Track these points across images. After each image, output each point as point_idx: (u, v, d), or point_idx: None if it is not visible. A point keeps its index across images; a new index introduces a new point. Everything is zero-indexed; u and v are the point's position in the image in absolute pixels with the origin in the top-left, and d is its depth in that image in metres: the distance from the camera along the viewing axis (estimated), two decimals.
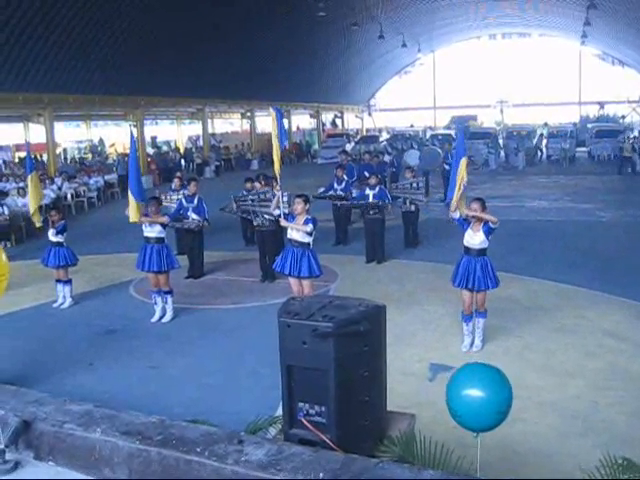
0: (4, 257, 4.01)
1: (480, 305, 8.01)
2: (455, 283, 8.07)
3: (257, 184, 12.46)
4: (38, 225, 11.72)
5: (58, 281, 10.80)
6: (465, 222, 8.04)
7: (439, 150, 24.61)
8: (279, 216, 9.05)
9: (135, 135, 28.19)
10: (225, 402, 6.76)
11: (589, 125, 40.61)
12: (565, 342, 8.24)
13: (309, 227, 8.61)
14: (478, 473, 3.70)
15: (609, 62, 52.52)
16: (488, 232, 7.85)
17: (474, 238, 7.90)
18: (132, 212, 9.50)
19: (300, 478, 3.06)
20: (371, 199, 12.82)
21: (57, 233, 10.57)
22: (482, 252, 7.92)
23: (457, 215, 8.12)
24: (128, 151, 34.29)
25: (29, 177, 11.58)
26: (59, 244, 10.62)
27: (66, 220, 11.22)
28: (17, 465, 3.68)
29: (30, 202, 11.49)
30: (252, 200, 11.97)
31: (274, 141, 8.91)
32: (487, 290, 7.93)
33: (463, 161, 8.79)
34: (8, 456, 3.67)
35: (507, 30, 54.07)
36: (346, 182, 14.65)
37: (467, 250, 7.99)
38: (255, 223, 12.14)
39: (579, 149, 36.13)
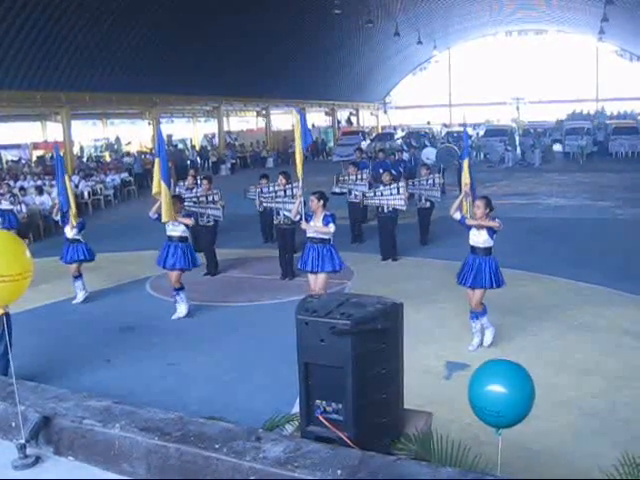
0: (28, 254, 4.02)
1: (476, 304, 7.97)
2: (457, 280, 8.10)
3: (282, 179, 12.33)
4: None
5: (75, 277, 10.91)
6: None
7: (455, 148, 24.53)
8: (300, 220, 9.02)
9: (152, 133, 28.32)
10: (242, 399, 6.79)
11: (607, 122, 40.32)
12: (582, 340, 8.20)
13: (330, 228, 8.59)
14: (499, 471, 3.69)
15: (627, 58, 52.11)
16: (492, 232, 7.87)
17: (478, 237, 7.93)
18: (167, 211, 9.38)
19: (318, 475, 3.07)
20: None
21: (78, 231, 10.63)
22: (487, 251, 7.93)
23: (458, 216, 8.17)
24: (144, 149, 34.65)
25: (66, 179, 10.89)
26: (77, 241, 10.70)
27: (83, 218, 11.28)
28: (38, 460, 3.73)
29: (72, 204, 10.73)
30: (276, 193, 11.92)
31: (297, 147, 8.92)
32: (484, 288, 7.89)
33: (465, 163, 8.73)
34: (29, 451, 3.71)
35: (523, 27, 53.79)
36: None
37: (473, 249, 8.02)
38: (276, 221, 12.15)
39: None
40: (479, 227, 7.88)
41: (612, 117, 45.41)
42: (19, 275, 3.86)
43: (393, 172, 14.49)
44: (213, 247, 12.65)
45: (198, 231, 13.01)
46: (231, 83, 32.50)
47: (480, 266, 7.85)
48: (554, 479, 5.02)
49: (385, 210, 12.93)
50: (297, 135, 8.87)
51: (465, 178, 8.61)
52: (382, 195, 12.87)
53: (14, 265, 3.86)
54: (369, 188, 14.00)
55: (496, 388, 3.62)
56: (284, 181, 12.05)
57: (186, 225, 9.80)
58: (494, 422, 3.66)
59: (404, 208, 12.83)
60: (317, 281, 8.73)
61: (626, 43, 48.55)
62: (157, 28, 25.91)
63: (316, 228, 8.73)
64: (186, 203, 11.72)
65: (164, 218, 9.48)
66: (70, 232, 10.68)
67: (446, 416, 5.32)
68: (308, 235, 8.87)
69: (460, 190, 18.96)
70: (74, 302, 10.81)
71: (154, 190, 9.54)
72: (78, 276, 10.85)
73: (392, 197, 12.66)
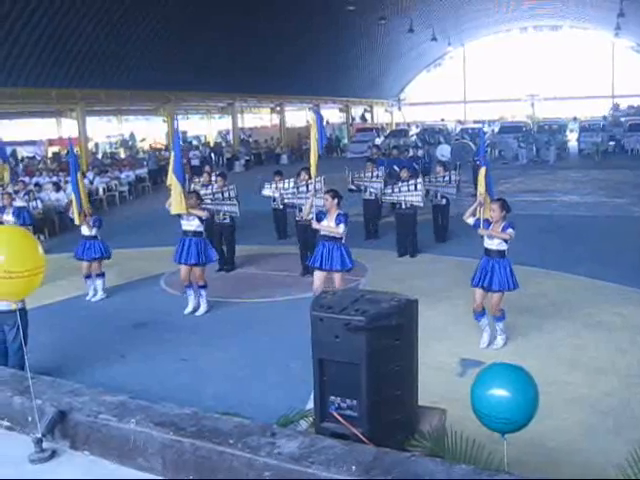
0: (41, 250, 4.04)
1: (495, 309, 7.94)
2: (472, 283, 8.07)
3: (305, 175, 12.17)
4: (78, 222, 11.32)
5: (88, 277, 10.92)
6: (485, 224, 8.02)
7: (471, 144, 24.48)
8: (312, 219, 9.04)
9: (168, 130, 28.53)
10: (255, 395, 6.80)
11: (622, 118, 40.02)
12: (596, 338, 8.16)
13: (341, 229, 8.60)
14: (506, 469, 3.68)
15: None
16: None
17: (492, 239, 7.91)
18: (178, 203, 9.47)
19: (333, 470, 3.07)
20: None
21: (98, 227, 10.66)
22: (501, 253, 7.90)
23: (472, 221, 8.18)
24: (159, 146, 34.80)
25: (78, 176, 11.02)
26: (94, 237, 10.73)
27: (97, 214, 11.30)
28: (54, 454, 3.74)
29: (84, 201, 10.82)
30: (298, 189, 11.94)
31: (312, 146, 8.95)
32: (501, 292, 7.87)
33: (481, 172, 8.52)
34: (45, 445, 3.73)
35: (538, 23, 53.46)
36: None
37: (487, 251, 8.01)
38: (297, 217, 12.16)
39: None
40: (490, 237, 7.88)
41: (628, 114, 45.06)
42: (28, 271, 3.85)
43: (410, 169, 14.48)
44: (233, 243, 12.67)
45: (213, 229, 13.01)
46: (245, 80, 32.54)
47: (494, 269, 7.82)
48: (567, 478, 5.00)
49: (403, 206, 12.93)
50: (313, 136, 8.89)
51: (480, 187, 8.47)
52: (400, 191, 12.87)
53: (25, 262, 3.86)
54: (385, 186, 13.99)
55: (498, 393, 3.59)
56: (307, 177, 12.01)
57: (200, 219, 9.83)
58: (499, 428, 3.65)
59: (421, 205, 12.82)
60: (334, 280, 8.76)
61: None
62: (171, 24, 25.97)
63: (327, 227, 8.73)
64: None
65: (173, 210, 9.62)
66: (88, 230, 10.69)
67: (460, 413, 5.29)
68: (321, 233, 8.90)
69: (475, 188, 18.86)
70: (87, 298, 10.86)
71: (168, 182, 9.74)
72: (100, 274, 10.90)
73: (409, 193, 12.66)
